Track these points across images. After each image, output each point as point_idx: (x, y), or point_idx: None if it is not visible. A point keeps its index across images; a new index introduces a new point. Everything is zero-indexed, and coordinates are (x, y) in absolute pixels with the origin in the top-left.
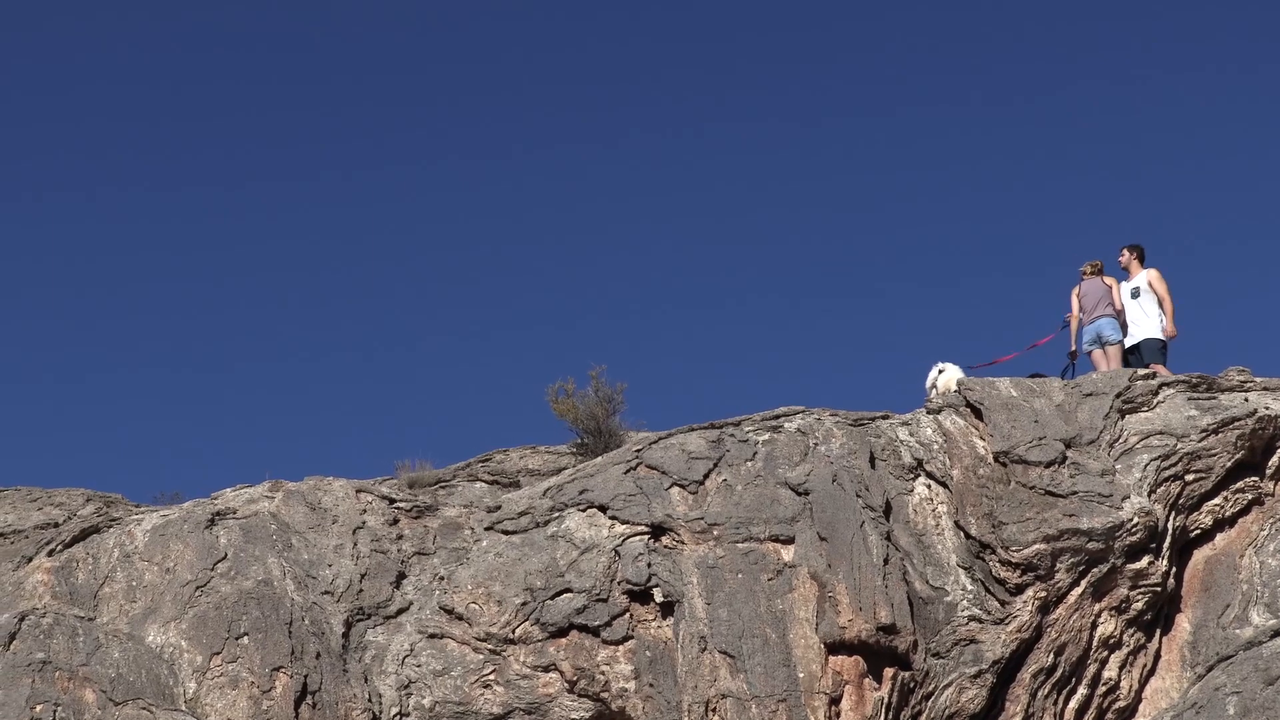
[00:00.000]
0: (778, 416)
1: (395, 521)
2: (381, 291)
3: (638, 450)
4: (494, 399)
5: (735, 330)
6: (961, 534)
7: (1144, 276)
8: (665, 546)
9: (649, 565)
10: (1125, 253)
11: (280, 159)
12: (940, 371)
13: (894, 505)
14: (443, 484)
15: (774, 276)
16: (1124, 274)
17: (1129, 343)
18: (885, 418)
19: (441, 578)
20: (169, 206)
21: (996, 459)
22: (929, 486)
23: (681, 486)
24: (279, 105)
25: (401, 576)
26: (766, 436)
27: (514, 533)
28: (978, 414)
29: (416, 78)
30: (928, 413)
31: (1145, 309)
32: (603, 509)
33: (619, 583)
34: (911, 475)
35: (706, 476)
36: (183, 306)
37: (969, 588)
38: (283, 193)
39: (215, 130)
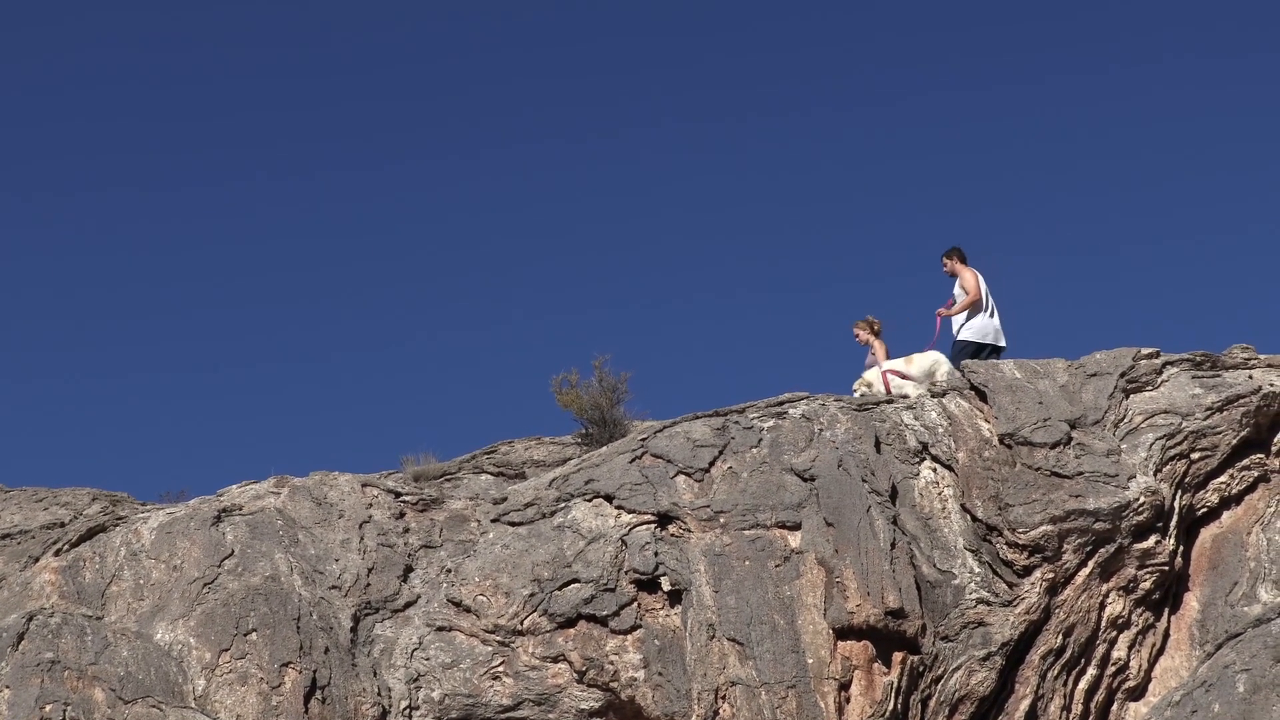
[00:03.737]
0: (782, 403)
1: (401, 515)
2: (383, 286)
3: (643, 439)
4: (498, 391)
5: (739, 318)
6: (968, 517)
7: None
8: (672, 535)
9: (656, 554)
10: (945, 260)
11: (283, 157)
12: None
13: (900, 489)
14: (448, 477)
15: (776, 265)
16: (952, 281)
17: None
18: (889, 402)
19: (449, 570)
20: (170, 206)
21: (1002, 441)
22: (935, 470)
23: (687, 475)
24: (282, 104)
25: (409, 570)
26: (771, 423)
27: (520, 524)
28: (982, 396)
29: (419, 72)
30: (932, 396)
31: (962, 316)
32: (609, 499)
33: (626, 572)
34: (917, 459)
35: (712, 464)
36: (185, 305)
37: (976, 570)
38: (283, 190)
39: (212, 129)
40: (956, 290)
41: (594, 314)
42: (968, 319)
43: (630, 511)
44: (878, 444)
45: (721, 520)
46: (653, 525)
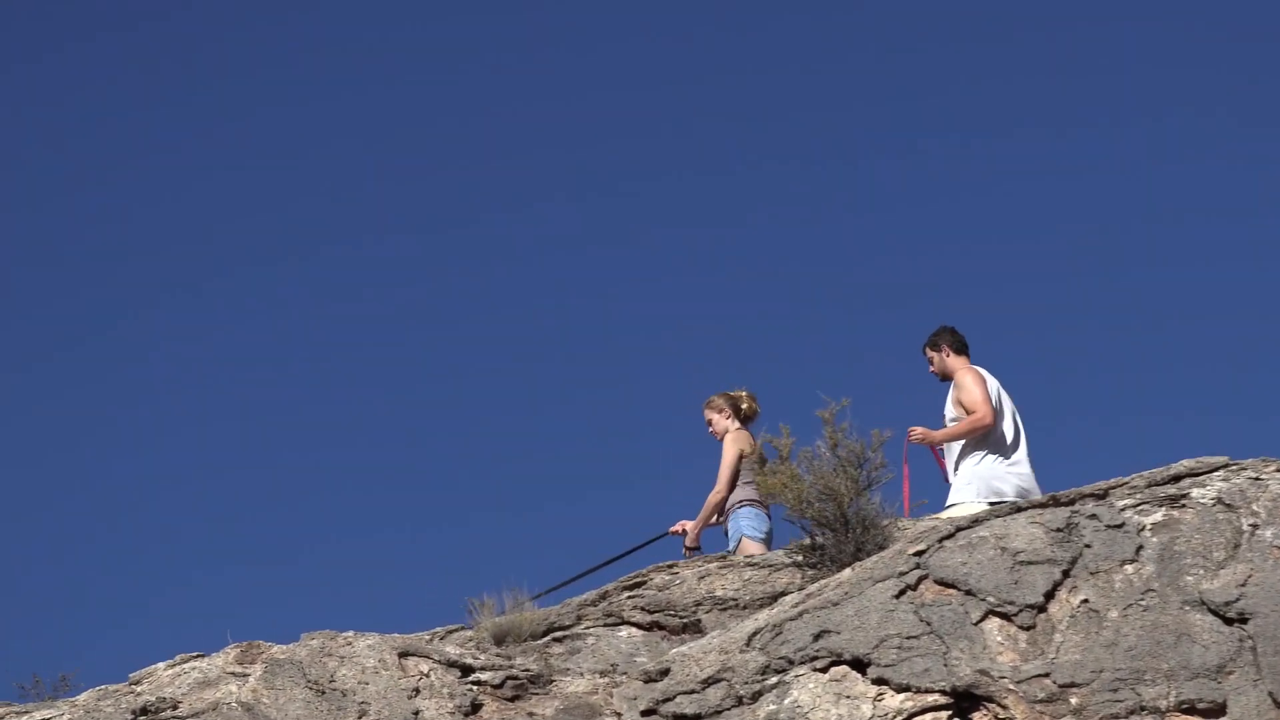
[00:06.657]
0: (1177, 478)
1: (475, 708)
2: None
3: (918, 554)
4: (632, 474)
5: (1083, 331)
6: None
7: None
8: None
9: None
10: (930, 354)
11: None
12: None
13: None
14: (557, 634)
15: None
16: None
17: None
18: None
19: None
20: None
21: None
22: None
23: (1004, 617)
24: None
25: None
26: (1158, 516)
27: (698, 716)
28: None
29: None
30: None
31: (952, 449)
32: (860, 666)
33: None
34: None
35: (1050, 596)
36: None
37: None
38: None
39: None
40: (949, 405)
41: (807, 325)
42: (965, 453)
43: (901, 688)
44: None
45: (1073, 700)
46: (946, 713)
